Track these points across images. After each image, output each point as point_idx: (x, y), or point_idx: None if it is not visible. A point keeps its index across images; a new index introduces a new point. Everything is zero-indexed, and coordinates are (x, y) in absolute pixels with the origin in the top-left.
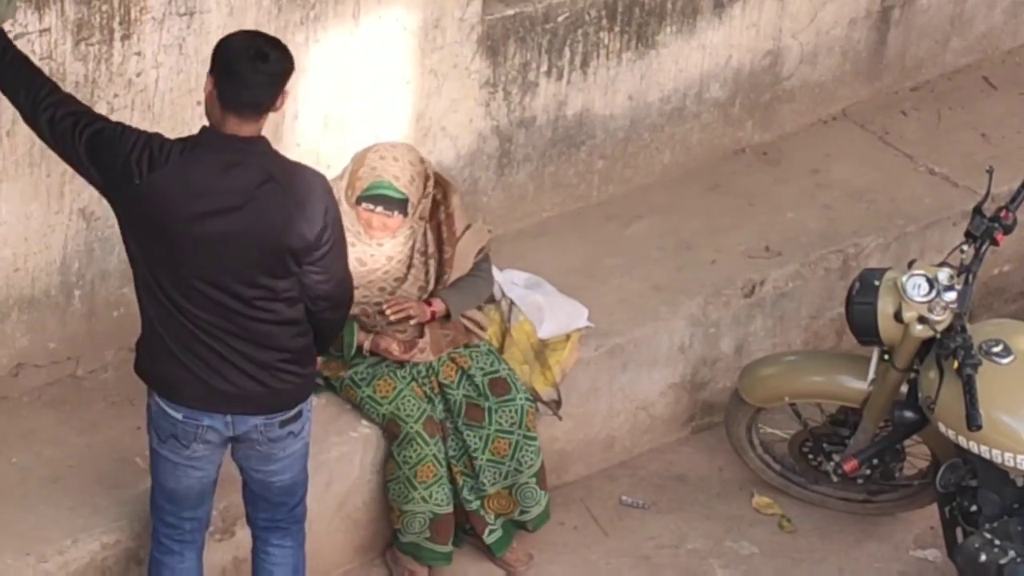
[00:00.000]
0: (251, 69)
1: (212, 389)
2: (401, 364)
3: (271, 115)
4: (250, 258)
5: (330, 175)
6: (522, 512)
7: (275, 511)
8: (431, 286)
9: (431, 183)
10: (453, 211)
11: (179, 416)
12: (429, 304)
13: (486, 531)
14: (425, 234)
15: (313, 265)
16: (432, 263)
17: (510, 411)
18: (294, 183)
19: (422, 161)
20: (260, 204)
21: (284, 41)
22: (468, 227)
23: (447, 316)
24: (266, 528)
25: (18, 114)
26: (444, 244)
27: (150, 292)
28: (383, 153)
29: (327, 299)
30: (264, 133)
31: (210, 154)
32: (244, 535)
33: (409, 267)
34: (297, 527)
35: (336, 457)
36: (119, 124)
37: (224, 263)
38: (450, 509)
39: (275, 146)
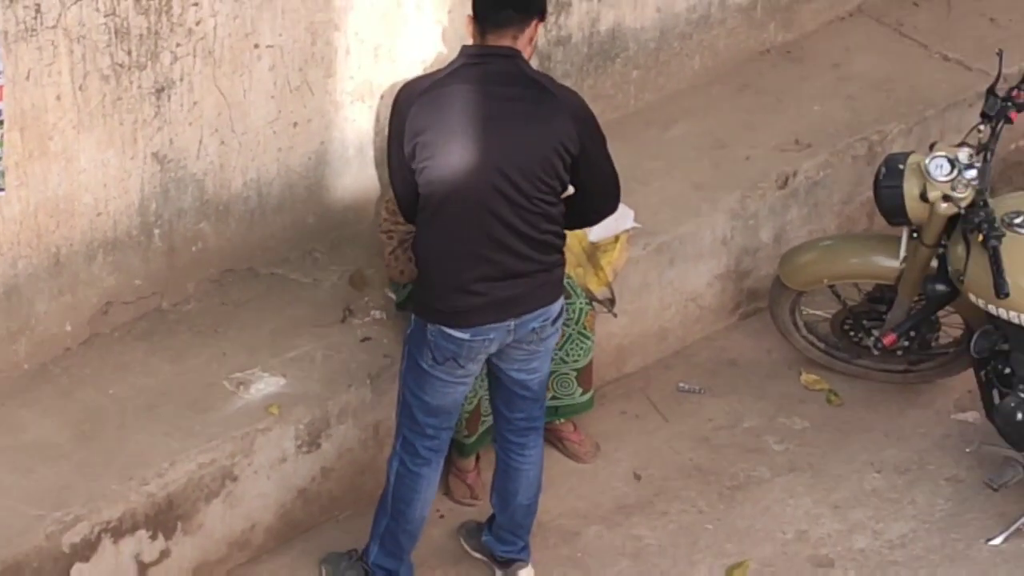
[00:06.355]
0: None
1: (498, 300)
2: None
3: (325, 50)
4: None
5: (383, 105)
6: (553, 397)
7: (532, 408)
8: None
9: None
10: None
11: (466, 336)
12: None
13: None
14: None
15: None
16: None
17: (569, 311)
18: None
19: None
20: None
21: None
22: None
23: None
24: (525, 430)
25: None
26: None
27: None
28: None
29: None
30: (319, 67)
31: None
32: (329, 446)
33: None
34: (543, 423)
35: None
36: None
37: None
38: (474, 405)
39: (329, 79)
